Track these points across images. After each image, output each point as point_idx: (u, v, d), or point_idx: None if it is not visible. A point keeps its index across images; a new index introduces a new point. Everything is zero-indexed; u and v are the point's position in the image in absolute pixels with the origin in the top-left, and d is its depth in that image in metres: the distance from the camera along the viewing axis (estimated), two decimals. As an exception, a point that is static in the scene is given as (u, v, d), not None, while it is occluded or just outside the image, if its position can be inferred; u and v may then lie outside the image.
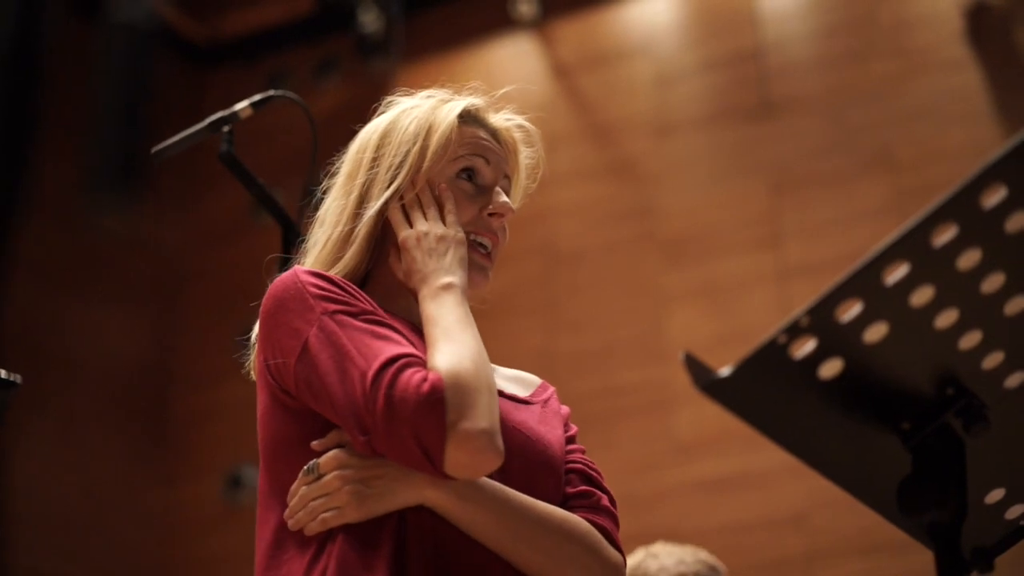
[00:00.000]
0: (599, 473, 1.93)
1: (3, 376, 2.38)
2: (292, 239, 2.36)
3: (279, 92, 2.46)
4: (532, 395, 1.99)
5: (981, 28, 5.68)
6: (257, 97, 2.41)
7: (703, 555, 3.24)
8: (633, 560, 3.17)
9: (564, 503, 1.84)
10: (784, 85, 6.00)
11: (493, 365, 2.02)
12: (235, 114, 2.42)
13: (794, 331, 1.21)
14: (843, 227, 5.45)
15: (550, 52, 6.53)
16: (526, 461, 1.81)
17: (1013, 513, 1.46)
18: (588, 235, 6.17)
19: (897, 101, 5.75)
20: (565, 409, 2.02)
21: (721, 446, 5.40)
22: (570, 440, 1.96)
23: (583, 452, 1.95)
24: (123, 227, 6.36)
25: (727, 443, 5.36)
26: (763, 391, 1.25)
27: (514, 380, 2.02)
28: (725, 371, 1.22)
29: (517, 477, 1.78)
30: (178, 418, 6.78)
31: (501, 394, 1.89)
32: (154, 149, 2.40)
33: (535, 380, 2.05)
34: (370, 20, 6.39)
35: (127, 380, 6.70)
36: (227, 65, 7.23)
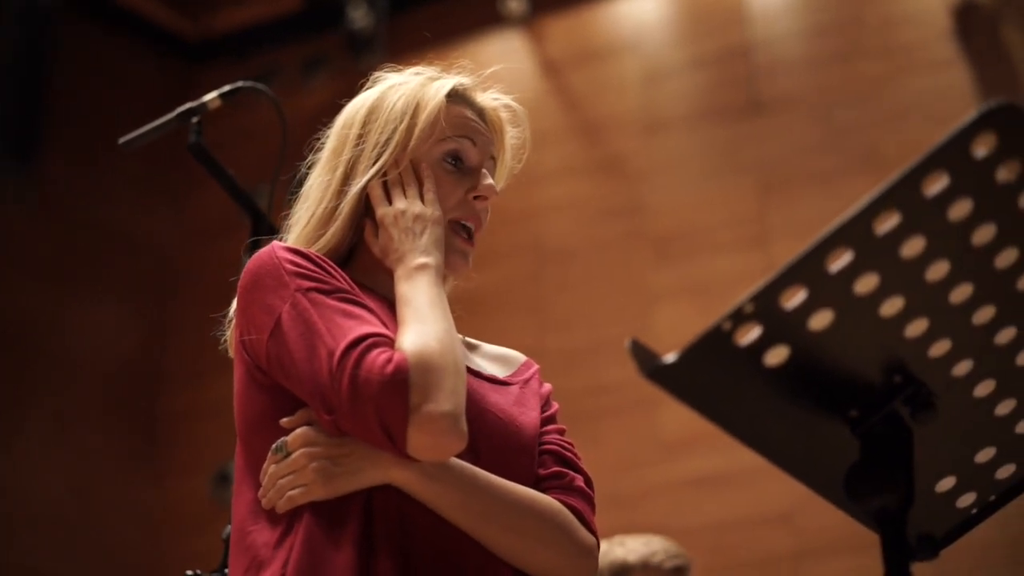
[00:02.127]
0: (575, 454, 1.92)
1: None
2: (263, 232, 2.36)
3: (248, 83, 2.47)
4: (513, 375, 1.98)
5: (969, 27, 5.68)
6: (226, 88, 2.42)
7: (668, 543, 3.27)
8: (602, 551, 3.19)
9: (537, 484, 1.83)
10: (773, 84, 6.01)
11: (477, 342, 2.02)
12: (203, 105, 2.42)
13: (738, 318, 1.21)
14: (831, 226, 5.44)
15: (539, 49, 6.53)
16: (498, 443, 1.81)
17: (964, 502, 1.46)
18: (577, 232, 6.18)
19: (885, 100, 5.75)
20: (546, 387, 2.01)
21: (708, 444, 5.39)
22: (548, 420, 1.94)
23: (561, 433, 1.94)
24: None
25: (714, 441, 5.31)
26: (709, 378, 1.25)
27: (497, 359, 2.02)
28: (670, 357, 1.22)
29: (488, 459, 1.78)
30: (168, 416, 6.78)
31: (479, 375, 1.90)
32: (123, 139, 2.40)
33: (519, 358, 2.04)
34: (359, 17, 6.40)
35: (118, 378, 6.70)
36: (216, 62, 7.23)
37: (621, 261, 6.03)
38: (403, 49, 6.71)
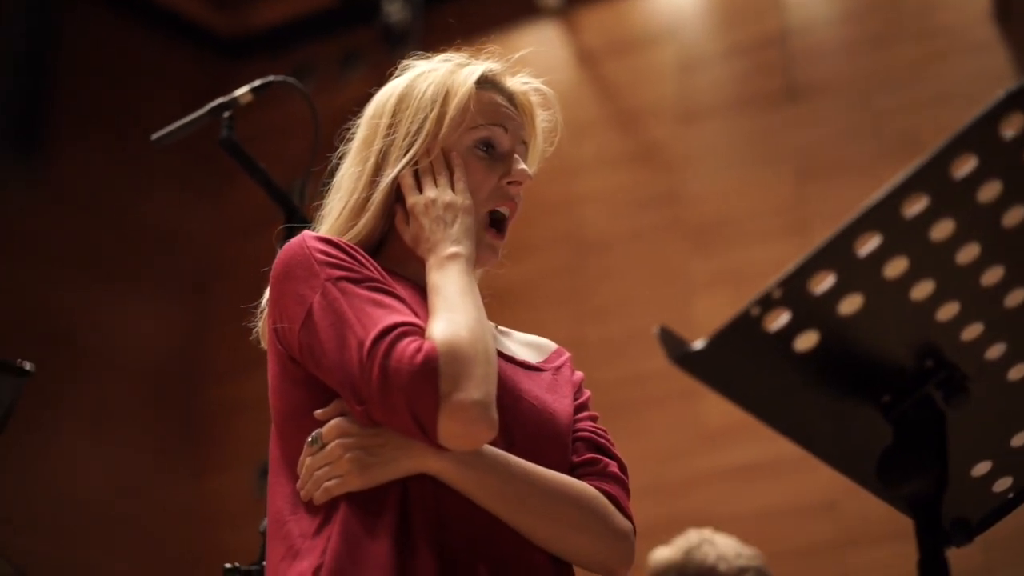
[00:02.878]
0: (608, 440, 1.91)
1: (18, 364, 2.41)
2: (296, 223, 2.37)
3: (279, 78, 2.48)
4: (544, 361, 1.98)
5: (1009, 8, 5.62)
6: (257, 83, 2.42)
7: (757, 558, 3.22)
8: (687, 542, 3.16)
9: (571, 472, 1.83)
10: (809, 70, 5.97)
11: (508, 330, 2.02)
12: (235, 100, 2.43)
13: (767, 303, 1.21)
14: (870, 212, 5.40)
15: (574, 39, 6.52)
16: (532, 430, 1.81)
17: (1000, 486, 1.45)
18: (614, 223, 6.16)
19: (924, 84, 5.70)
20: (578, 375, 2.00)
21: (750, 433, 5.32)
22: (580, 408, 1.94)
23: (594, 420, 1.94)
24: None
25: (756, 430, 5.26)
26: (738, 364, 1.25)
27: (528, 345, 2.01)
28: (698, 344, 1.22)
29: (522, 446, 1.78)
30: (208, 410, 6.81)
31: (512, 360, 1.90)
32: (155, 135, 2.42)
33: (550, 346, 2.04)
34: (394, 10, 6.41)
35: (157, 373, 6.74)
36: (253, 57, 7.25)
37: (659, 251, 6.02)
38: (438, 42, 6.67)
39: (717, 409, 5.45)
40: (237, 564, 2.27)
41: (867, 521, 5.07)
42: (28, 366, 2.37)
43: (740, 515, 5.29)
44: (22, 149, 6.30)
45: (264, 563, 2.21)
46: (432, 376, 1.61)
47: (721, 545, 3.19)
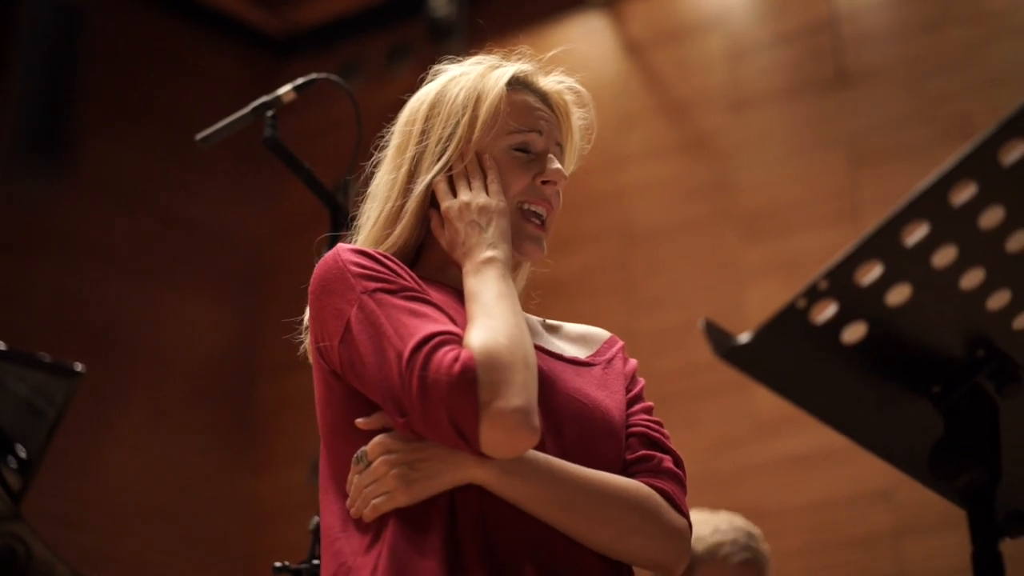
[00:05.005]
0: (663, 433, 1.89)
1: (71, 366, 2.43)
2: (341, 221, 2.37)
3: (321, 75, 2.48)
4: (595, 354, 1.96)
5: (1061, -11, 5.55)
6: (299, 81, 2.42)
7: (739, 521, 3.20)
8: None
9: (625, 469, 1.81)
10: (860, 55, 5.91)
11: (558, 323, 2.00)
12: (278, 98, 2.43)
13: (813, 295, 1.19)
14: (924, 198, 5.35)
15: (622, 30, 6.49)
16: (583, 429, 1.79)
17: (1057, 477, 1.43)
18: (665, 213, 6.14)
19: (976, 68, 5.63)
20: (631, 364, 1.98)
21: (804, 423, 5.26)
22: (634, 400, 1.92)
23: (648, 411, 1.91)
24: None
25: (809, 420, 5.26)
26: (785, 357, 1.23)
27: (579, 339, 2.00)
28: (744, 337, 1.20)
29: (574, 446, 1.76)
30: (260, 407, 6.85)
31: (560, 358, 1.88)
32: (200, 135, 2.42)
33: (601, 336, 2.02)
34: (440, 4, 6.40)
35: (213, 370, 6.79)
36: (300, 55, 7.28)
37: (710, 240, 5.99)
38: (484, 36, 6.69)
39: (771, 399, 5.37)
40: (286, 563, 2.27)
41: (923, 510, 5.02)
42: (80, 367, 2.39)
43: (795, 505, 5.26)
44: (49, 149, 6.35)
45: (315, 562, 2.22)
46: (471, 385, 1.60)
47: (702, 524, 3.14)
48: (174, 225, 6.79)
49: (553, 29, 6.56)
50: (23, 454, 2.59)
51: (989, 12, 5.72)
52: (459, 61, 1.98)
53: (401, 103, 2.00)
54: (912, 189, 1.18)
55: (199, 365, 6.70)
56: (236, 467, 6.68)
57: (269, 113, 2.41)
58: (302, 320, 1.93)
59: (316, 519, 2.24)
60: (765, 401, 5.45)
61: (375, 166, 1.98)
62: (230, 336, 6.91)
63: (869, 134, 5.77)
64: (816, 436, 5.30)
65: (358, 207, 1.99)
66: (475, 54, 2.00)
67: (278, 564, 2.24)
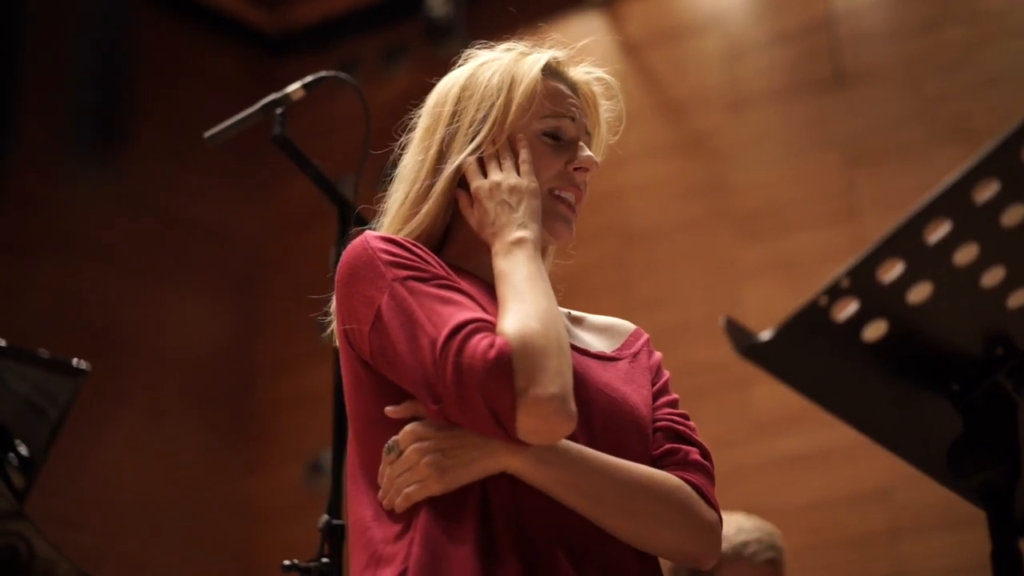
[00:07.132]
0: (688, 426, 1.89)
1: (74, 364, 2.42)
2: (349, 219, 2.37)
3: (330, 73, 2.47)
4: (621, 348, 1.96)
5: (1059, -10, 5.56)
6: (309, 78, 2.42)
7: (758, 520, 3.20)
8: None
9: (653, 464, 1.80)
10: (857, 55, 5.91)
11: (581, 314, 2.00)
12: (287, 96, 2.43)
13: (835, 293, 1.19)
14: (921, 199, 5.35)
15: (619, 29, 6.48)
16: (612, 423, 1.79)
17: (1075, 476, 1.42)
18: (662, 213, 6.14)
19: (973, 68, 5.63)
20: (656, 357, 1.98)
21: (801, 423, 5.34)
22: (660, 392, 1.92)
23: (674, 405, 1.91)
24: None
25: (807, 419, 5.29)
26: (806, 354, 1.23)
27: (603, 331, 1.99)
28: (766, 335, 1.20)
29: (603, 440, 1.76)
30: (259, 406, 6.84)
31: (586, 353, 1.88)
32: (208, 133, 2.42)
33: (626, 329, 2.02)
34: (438, 4, 6.40)
35: (210, 369, 6.78)
36: (297, 54, 7.27)
37: (707, 240, 5.99)
38: (482, 35, 6.67)
39: (768, 399, 5.43)
40: (295, 560, 2.27)
41: (922, 509, 5.03)
42: (84, 365, 2.38)
43: (792, 505, 5.26)
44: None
45: (324, 560, 2.21)
46: (507, 372, 1.59)
47: (724, 525, 3.14)
48: (174, 225, 6.78)
49: (551, 29, 6.53)
50: (25, 452, 2.58)
51: (986, 12, 5.73)
52: (490, 46, 1.98)
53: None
54: (914, 186, 1.17)
55: (198, 365, 6.69)
56: (234, 466, 6.67)
57: (278, 111, 2.41)
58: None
59: (325, 517, 2.23)
60: (763, 401, 5.45)
61: (403, 149, 1.97)
62: (229, 336, 6.90)
63: (866, 134, 5.78)
64: (814, 436, 5.31)
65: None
66: (485, 44, 2.00)
67: (287, 562, 2.24)
